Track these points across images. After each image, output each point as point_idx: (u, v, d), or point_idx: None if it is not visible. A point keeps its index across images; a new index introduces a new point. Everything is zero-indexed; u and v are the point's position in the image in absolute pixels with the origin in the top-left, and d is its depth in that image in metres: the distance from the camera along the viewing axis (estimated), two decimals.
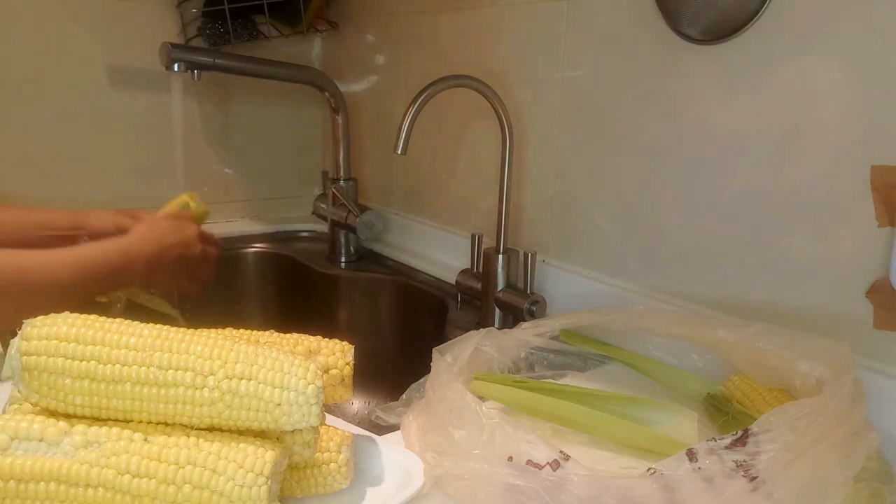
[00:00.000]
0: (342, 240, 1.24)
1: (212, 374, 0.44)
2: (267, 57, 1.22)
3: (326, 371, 0.57)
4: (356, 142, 1.28)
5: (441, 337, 0.95)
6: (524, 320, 0.83)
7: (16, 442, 0.42)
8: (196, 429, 0.45)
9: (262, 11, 1.22)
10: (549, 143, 0.93)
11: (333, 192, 1.23)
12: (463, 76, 0.86)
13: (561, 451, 0.49)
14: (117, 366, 0.44)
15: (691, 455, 0.46)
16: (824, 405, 0.49)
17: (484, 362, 0.70)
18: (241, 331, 0.58)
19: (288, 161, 1.44)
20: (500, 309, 0.93)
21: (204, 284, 0.93)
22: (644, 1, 0.78)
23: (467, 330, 0.73)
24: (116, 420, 0.45)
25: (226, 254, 1.22)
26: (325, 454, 0.50)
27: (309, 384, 0.45)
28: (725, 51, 0.72)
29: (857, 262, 0.64)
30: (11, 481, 0.42)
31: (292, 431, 0.47)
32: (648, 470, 0.46)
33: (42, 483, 0.42)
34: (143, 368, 0.44)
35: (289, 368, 0.45)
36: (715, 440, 0.47)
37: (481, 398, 0.58)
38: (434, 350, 0.64)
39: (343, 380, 0.58)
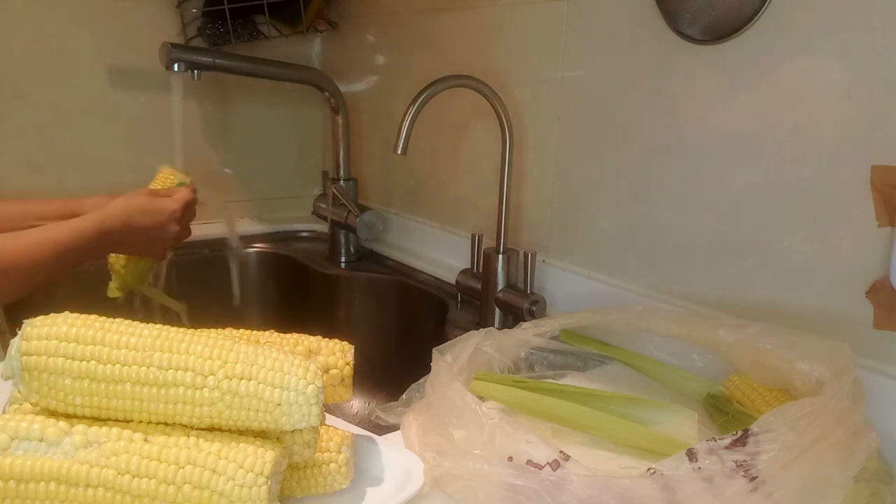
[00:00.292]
0: (342, 240, 1.24)
1: (212, 374, 0.44)
2: (267, 57, 1.22)
3: (326, 371, 0.57)
4: (356, 142, 1.28)
5: (441, 337, 0.95)
6: (524, 320, 0.83)
7: (16, 442, 0.42)
8: (196, 429, 0.45)
9: (262, 11, 1.22)
10: (549, 143, 0.93)
11: (333, 192, 1.22)
12: (463, 76, 0.86)
13: (561, 451, 0.49)
14: (117, 366, 0.44)
15: (691, 455, 0.46)
16: (824, 405, 0.49)
17: (484, 362, 0.70)
18: (241, 331, 0.58)
19: (288, 161, 1.44)
20: (500, 309, 0.93)
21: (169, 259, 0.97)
22: (644, 1, 0.78)
23: (467, 330, 0.73)
24: (116, 420, 0.45)
25: (226, 254, 1.23)
26: (325, 454, 0.50)
27: (309, 384, 0.45)
28: (725, 51, 0.72)
29: (857, 262, 0.64)
30: (11, 481, 0.42)
31: (292, 431, 0.47)
32: (648, 470, 0.46)
33: (42, 483, 0.42)
34: (143, 368, 0.44)
35: (289, 368, 0.45)
36: (715, 440, 0.47)
37: (481, 398, 0.58)
38: (434, 350, 0.64)
39: (343, 380, 0.57)
